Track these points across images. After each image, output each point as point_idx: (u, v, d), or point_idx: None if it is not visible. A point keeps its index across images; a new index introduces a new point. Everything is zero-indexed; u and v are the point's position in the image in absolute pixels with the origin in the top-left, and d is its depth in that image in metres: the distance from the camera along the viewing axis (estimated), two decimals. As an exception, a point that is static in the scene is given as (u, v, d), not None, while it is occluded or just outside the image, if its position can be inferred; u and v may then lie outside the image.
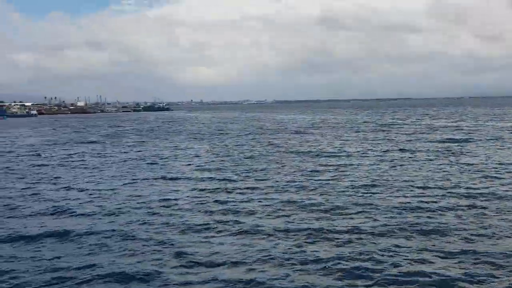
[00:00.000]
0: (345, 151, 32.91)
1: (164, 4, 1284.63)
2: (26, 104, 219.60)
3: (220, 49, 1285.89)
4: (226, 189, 20.15)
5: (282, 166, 26.48)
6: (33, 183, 22.98)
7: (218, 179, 22.58)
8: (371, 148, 34.81)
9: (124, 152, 36.52)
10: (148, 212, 16.32)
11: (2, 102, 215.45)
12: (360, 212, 15.66)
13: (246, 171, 24.87)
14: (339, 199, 17.52)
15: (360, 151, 33.10)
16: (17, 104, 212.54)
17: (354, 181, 21.21)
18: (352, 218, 14.90)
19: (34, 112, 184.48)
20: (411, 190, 18.92)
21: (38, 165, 29.63)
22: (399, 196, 17.88)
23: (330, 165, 26.31)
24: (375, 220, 14.62)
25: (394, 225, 14.03)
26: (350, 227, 13.86)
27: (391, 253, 11.72)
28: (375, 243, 12.48)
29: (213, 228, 14.18)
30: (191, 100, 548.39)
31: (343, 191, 18.96)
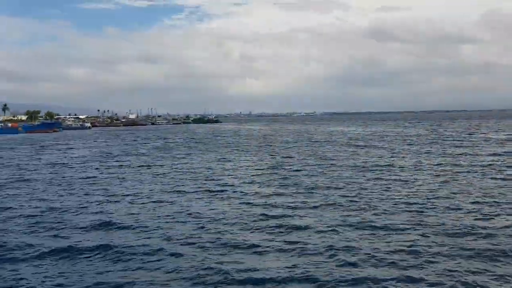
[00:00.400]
0: (397, 165, 31.95)
1: (214, 18, 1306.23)
2: (80, 116, 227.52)
3: (268, 62, 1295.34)
4: (275, 203, 19.77)
5: (333, 180, 25.89)
6: (83, 195, 23.28)
7: (267, 193, 22.24)
8: (424, 161, 33.68)
9: (173, 165, 36.70)
10: (195, 227, 16.11)
11: (58, 115, 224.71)
12: (414, 230, 14.95)
13: (295, 185, 24.42)
14: (391, 217, 16.84)
15: (412, 165, 32.07)
16: (72, 117, 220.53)
17: (407, 196, 20.45)
18: (406, 238, 14.21)
19: (88, 124, 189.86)
20: (466, 208, 18.02)
21: (88, 177, 30.06)
22: (454, 214, 17.05)
23: (382, 179, 25.57)
24: (430, 240, 13.89)
25: (450, 245, 13.30)
26: (405, 247, 13.20)
27: (448, 277, 11.04)
28: (432, 265, 11.81)
29: (261, 245, 13.79)
30: (240, 112, 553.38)
31: (395, 208, 18.25)
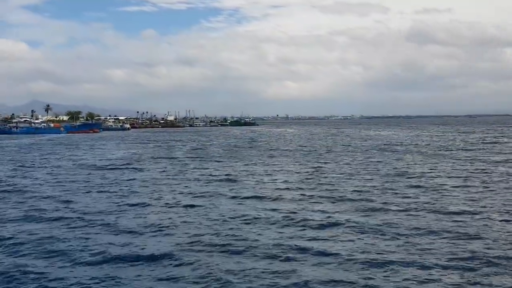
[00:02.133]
0: (441, 172, 30.82)
1: (251, 20, 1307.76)
2: (120, 118, 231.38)
3: (306, 64, 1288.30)
4: (314, 209, 19.16)
5: (372, 187, 25.07)
6: (118, 197, 23.16)
7: (308, 200, 21.65)
8: (467, 169, 32.44)
9: (209, 169, 36.39)
10: (229, 235, 15.63)
11: (98, 116, 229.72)
12: (457, 242, 14.11)
13: (332, 191, 23.72)
14: (435, 225, 15.99)
15: (454, 172, 30.87)
16: (111, 118, 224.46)
17: (449, 206, 19.49)
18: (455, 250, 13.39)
19: (127, 126, 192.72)
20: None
21: (124, 180, 30.04)
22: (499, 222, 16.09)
23: (423, 187, 24.59)
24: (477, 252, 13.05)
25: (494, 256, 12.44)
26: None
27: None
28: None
29: (296, 257, 13.19)
30: (277, 115, 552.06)
31: (436, 218, 17.39)
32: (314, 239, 15.02)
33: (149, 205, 21.26)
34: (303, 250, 13.76)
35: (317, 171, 33.20)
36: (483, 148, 52.95)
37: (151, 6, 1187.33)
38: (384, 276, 11.65)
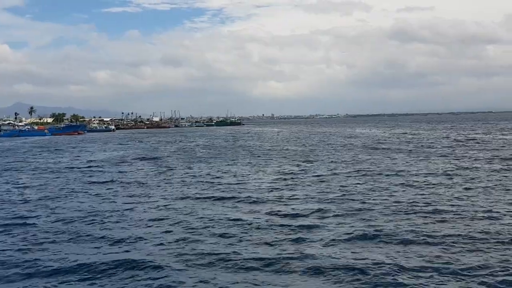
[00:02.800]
0: (432, 171, 30.44)
1: (236, 20, 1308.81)
2: (105, 119, 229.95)
3: (290, 64, 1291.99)
4: (299, 214, 18.52)
5: (355, 184, 24.56)
6: (99, 201, 22.38)
7: (289, 202, 21.05)
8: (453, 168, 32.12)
9: (194, 169, 35.69)
10: (213, 242, 14.99)
11: (83, 117, 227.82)
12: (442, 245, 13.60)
13: (321, 193, 23.13)
14: (415, 226, 15.47)
15: (444, 170, 30.50)
16: (96, 119, 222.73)
17: (434, 205, 19.02)
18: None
19: (112, 127, 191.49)
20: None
21: (107, 181, 29.26)
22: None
23: (410, 185, 24.13)
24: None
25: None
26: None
27: None
28: None
29: (279, 263, 12.58)
30: (263, 115, 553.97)
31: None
32: (298, 242, 14.41)
33: (131, 209, 20.42)
34: (287, 256, 13.17)
35: (301, 171, 32.62)
36: (470, 146, 52.82)
37: (135, 7, 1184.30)
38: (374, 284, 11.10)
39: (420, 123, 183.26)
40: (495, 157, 37.63)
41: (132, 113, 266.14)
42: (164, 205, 21.08)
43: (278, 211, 19.02)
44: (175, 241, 14.87)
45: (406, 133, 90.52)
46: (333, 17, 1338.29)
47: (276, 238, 14.97)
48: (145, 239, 15.25)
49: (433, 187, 23.77)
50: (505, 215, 17.24)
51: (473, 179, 26.39)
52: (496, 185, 24.14)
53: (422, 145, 54.55)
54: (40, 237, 15.87)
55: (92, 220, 18.35)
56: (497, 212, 17.74)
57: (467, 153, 42.58)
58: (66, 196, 24.46)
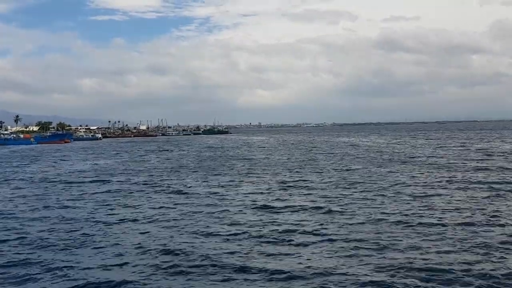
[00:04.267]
0: (425, 182, 29.76)
1: (223, 29, 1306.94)
2: (91, 128, 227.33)
3: (277, 72, 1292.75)
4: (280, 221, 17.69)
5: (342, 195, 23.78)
6: (82, 213, 21.30)
7: (271, 213, 20.20)
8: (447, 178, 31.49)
9: (184, 181, 34.69)
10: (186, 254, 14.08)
11: (69, 126, 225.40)
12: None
13: (298, 201, 22.33)
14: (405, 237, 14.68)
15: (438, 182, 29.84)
16: (82, 128, 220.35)
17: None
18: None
19: (99, 135, 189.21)
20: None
21: (93, 193, 28.17)
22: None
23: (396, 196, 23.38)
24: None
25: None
26: None
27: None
28: None
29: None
30: (250, 123, 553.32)
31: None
32: (280, 256, 13.58)
33: (113, 223, 19.48)
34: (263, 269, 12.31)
35: (286, 181, 31.81)
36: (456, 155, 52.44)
37: (122, 15, 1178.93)
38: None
39: (408, 131, 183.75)
40: None
41: (119, 121, 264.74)
42: (148, 221, 20.14)
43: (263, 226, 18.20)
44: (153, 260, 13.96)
45: (405, 143, 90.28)
46: (319, 26, 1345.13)
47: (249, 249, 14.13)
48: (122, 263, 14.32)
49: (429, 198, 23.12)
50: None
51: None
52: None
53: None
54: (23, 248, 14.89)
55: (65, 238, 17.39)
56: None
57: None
58: (50, 207, 23.57)
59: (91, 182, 35.31)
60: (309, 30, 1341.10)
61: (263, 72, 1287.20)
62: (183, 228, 18.26)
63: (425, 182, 29.33)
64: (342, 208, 21.30)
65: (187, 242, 15.91)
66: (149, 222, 19.70)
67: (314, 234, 16.65)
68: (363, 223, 18.20)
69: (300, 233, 16.87)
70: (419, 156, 51.37)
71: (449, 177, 31.29)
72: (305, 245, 15.26)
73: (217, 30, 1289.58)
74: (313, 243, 15.48)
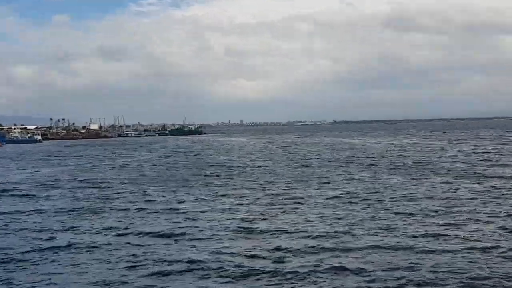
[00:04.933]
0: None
1: (192, 3, 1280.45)
2: (29, 127, 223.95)
3: (262, 58, 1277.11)
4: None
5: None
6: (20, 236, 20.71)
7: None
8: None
9: (141, 196, 34.12)
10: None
11: (0, 125, 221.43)
12: None
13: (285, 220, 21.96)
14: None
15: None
16: (18, 128, 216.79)
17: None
18: None
19: (39, 137, 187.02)
20: None
21: (27, 211, 27.63)
22: None
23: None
24: None
25: None
26: None
27: None
28: None
29: None
30: (229, 121, 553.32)
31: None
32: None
33: (56, 247, 19.82)
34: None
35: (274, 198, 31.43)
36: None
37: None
38: None
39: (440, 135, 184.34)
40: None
41: (63, 119, 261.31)
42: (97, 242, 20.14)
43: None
44: None
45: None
46: (313, 0, 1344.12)
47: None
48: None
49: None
50: None
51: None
52: None
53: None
54: None
55: None
56: None
57: None
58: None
59: (22, 196, 34.86)
60: (301, 4, 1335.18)
61: (244, 58, 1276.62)
62: (135, 261, 17.81)
63: None
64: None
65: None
66: (88, 251, 19.42)
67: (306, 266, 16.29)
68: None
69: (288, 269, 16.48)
70: None
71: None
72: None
73: (185, 4, 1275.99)
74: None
